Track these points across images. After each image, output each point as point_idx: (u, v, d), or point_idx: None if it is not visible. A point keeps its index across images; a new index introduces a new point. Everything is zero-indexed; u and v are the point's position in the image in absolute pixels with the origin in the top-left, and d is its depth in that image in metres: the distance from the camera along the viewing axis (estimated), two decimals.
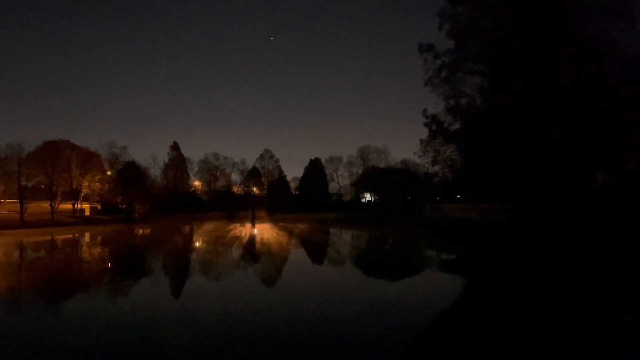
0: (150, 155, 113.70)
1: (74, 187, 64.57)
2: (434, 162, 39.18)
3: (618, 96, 26.59)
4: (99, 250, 30.93)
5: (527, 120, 28.31)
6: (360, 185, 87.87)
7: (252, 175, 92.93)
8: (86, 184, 67.69)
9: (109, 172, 75.86)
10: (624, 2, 27.10)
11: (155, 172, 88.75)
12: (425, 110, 36.03)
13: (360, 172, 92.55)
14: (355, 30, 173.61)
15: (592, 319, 10.85)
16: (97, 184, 70.59)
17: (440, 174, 43.30)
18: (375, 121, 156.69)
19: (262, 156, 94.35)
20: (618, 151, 27.67)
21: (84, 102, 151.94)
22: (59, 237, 40.22)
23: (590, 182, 28.86)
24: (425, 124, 36.34)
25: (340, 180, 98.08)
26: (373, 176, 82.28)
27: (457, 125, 35.09)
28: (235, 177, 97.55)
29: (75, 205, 64.90)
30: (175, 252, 29.60)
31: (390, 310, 11.86)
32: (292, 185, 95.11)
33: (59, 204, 60.61)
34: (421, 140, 38.14)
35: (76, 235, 43.16)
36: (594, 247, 22.52)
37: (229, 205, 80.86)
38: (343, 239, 43.02)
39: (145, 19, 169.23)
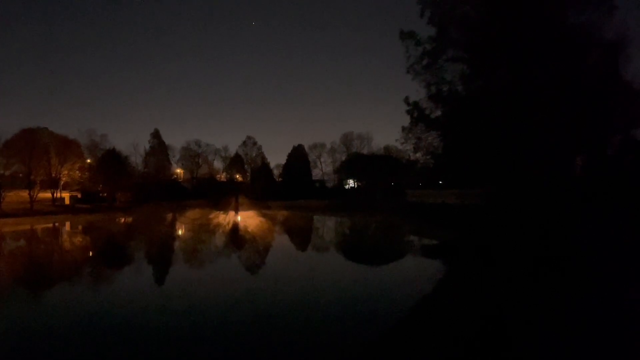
0: (131, 143, 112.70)
1: (53, 175, 63.21)
2: (416, 149, 39.26)
3: (597, 81, 27.06)
4: (89, 239, 30.51)
5: (507, 106, 28.63)
6: (344, 171, 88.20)
7: (235, 162, 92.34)
8: (65, 172, 66.36)
9: (88, 160, 74.58)
10: None
11: (137, 160, 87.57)
12: (407, 98, 36.00)
13: (343, 158, 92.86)
14: (338, 17, 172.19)
15: (567, 302, 11.21)
16: (77, 172, 69.28)
17: (422, 161, 43.52)
18: (358, 108, 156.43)
19: (244, 143, 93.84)
20: (596, 136, 28.24)
21: (63, 89, 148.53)
22: (44, 226, 39.61)
23: (569, 167, 29.45)
24: (407, 111, 36.35)
25: (323, 167, 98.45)
26: (356, 162, 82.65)
27: (438, 112, 35.20)
28: (218, 164, 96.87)
29: (55, 194, 63.78)
30: (162, 241, 29.44)
31: (369, 295, 12.06)
32: (276, 172, 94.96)
33: (37, 193, 59.41)
34: (403, 127, 38.12)
35: (57, 224, 42.50)
36: (570, 229, 23.10)
37: (212, 193, 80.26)
38: (326, 225, 43.27)
39: (124, 7, 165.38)
